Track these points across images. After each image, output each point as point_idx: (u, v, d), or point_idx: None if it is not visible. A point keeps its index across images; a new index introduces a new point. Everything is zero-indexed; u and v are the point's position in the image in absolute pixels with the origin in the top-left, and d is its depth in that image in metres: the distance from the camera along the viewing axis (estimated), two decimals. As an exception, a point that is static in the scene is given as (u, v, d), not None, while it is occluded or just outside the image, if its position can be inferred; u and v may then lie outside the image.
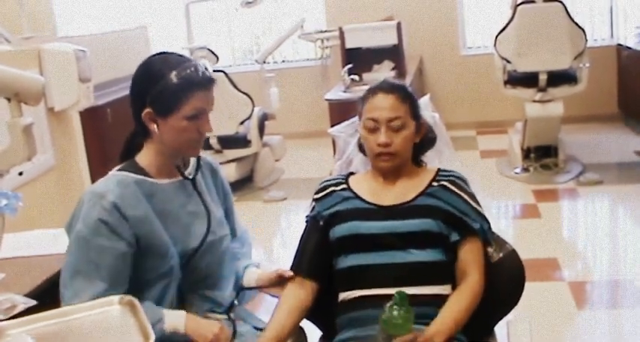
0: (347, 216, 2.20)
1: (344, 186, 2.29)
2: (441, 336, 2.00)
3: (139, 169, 2.08)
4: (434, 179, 2.24)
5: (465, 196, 2.20)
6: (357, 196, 2.24)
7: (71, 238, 2.00)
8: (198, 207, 2.16)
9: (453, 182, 2.22)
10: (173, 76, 1.99)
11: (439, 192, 2.20)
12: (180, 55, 2.10)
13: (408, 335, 1.89)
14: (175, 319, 2.02)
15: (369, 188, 2.26)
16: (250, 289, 2.33)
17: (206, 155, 2.31)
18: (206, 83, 2.04)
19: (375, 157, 2.24)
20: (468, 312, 2.10)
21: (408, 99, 2.21)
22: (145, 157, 2.11)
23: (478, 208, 2.20)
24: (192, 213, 2.14)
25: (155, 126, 2.03)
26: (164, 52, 2.12)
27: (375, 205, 2.20)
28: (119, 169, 2.09)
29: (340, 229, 2.19)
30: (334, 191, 2.28)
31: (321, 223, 2.24)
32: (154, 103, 2.01)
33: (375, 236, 2.14)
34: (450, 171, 2.28)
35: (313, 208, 2.30)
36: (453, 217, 2.16)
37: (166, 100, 2.00)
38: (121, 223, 1.98)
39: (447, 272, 2.15)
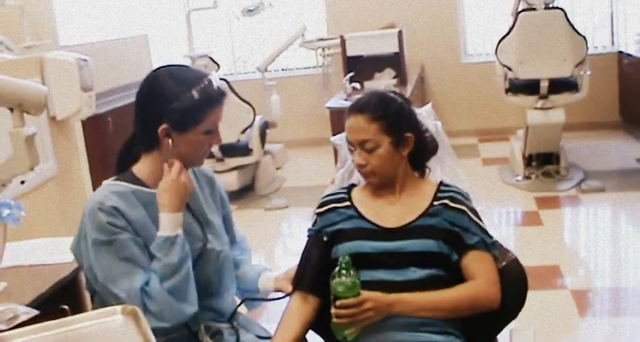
0: (350, 236, 2.18)
1: (347, 203, 2.26)
2: (400, 306, 2.03)
3: (135, 180, 2.09)
4: (435, 197, 2.21)
5: (467, 211, 2.18)
6: (360, 216, 2.22)
7: (91, 250, 1.99)
8: (191, 219, 2.16)
9: (453, 199, 2.19)
10: (195, 93, 2.00)
11: (441, 211, 2.17)
12: (191, 69, 2.12)
13: (354, 299, 1.98)
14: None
15: (371, 206, 2.24)
16: (261, 300, 2.37)
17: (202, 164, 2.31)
18: (222, 98, 2.08)
19: (360, 174, 2.27)
20: (450, 305, 2.09)
21: (381, 116, 2.17)
22: (142, 168, 2.11)
23: (480, 222, 2.18)
24: (187, 224, 2.13)
25: (170, 141, 2.03)
26: (172, 66, 2.12)
27: (377, 225, 2.19)
28: (114, 180, 2.09)
29: (343, 249, 2.17)
30: (337, 208, 2.26)
31: (325, 238, 2.23)
32: (172, 119, 2.01)
33: (377, 255, 2.13)
34: (452, 186, 2.26)
35: (315, 222, 2.29)
36: (454, 235, 2.14)
37: (187, 116, 2.01)
38: (127, 224, 2.00)
39: (449, 286, 2.12)
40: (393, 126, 2.17)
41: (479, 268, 2.14)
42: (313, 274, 2.20)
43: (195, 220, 2.16)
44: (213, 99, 2.04)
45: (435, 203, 2.19)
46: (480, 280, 2.12)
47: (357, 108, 2.20)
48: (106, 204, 1.98)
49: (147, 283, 1.98)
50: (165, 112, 2.00)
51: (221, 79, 6.34)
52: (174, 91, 2.01)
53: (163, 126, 2.01)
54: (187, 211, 2.15)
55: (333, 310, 2.02)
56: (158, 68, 2.11)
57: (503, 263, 2.23)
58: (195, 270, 2.09)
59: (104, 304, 1.98)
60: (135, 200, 2.04)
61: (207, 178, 2.29)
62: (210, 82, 2.04)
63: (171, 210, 2.01)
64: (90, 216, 1.99)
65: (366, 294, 2.01)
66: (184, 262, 2.01)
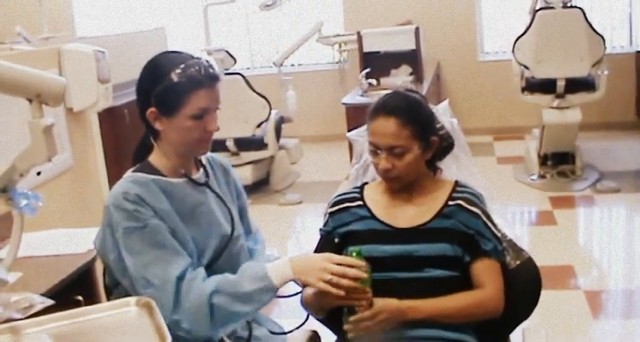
0: (362, 238, 2.16)
1: (359, 202, 2.24)
2: (416, 313, 2.02)
3: (153, 170, 2.09)
4: (450, 197, 2.19)
5: (482, 215, 2.15)
6: (372, 216, 2.20)
7: (122, 240, 1.97)
8: (216, 207, 2.16)
9: (468, 201, 2.17)
10: (174, 75, 1.98)
11: (455, 212, 2.15)
12: (185, 53, 2.08)
13: (369, 312, 1.95)
14: (281, 272, 1.99)
15: (384, 206, 2.22)
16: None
17: (218, 155, 2.32)
18: (209, 81, 2.02)
19: (381, 177, 2.22)
20: (460, 312, 2.08)
21: (412, 121, 2.11)
22: (157, 158, 2.11)
23: (493, 228, 2.16)
24: (210, 212, 2.14)
25: (160, 125, 2.04)
26: (170, 51, 2.12)
27: (390, 226, 2.17)
28: (133, 171, 2.10)
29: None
30: (349, 207, 2.24)
31: (336, 240, 2.21)
32: (157, 103, 2.01)
33: (390, 259, 2.12)
34: (467, 187, 2.23)
35: (327, 222, 2.26)
36: (468, 238, 2.13)
37: (169, 100, 2.00)
38: (153, 213, 1.99)
39: (461, 285, 2.12)
40: (423, 131, 2.13)
41: (489, 278, 2.13)
42: None
43: (227, 209, 2.18)
44: (196, 82, 1.99)
45: (450, 203, 2.17)
46: (488, 290, 2.11)
47: (387, 110, 2.12)
48: (131, 193, 1.98)
49: (183, 276, 1.95)
50: (152, 96, 2.01)
51: (237, 73, 6.42)
52: (159, 75, 2.00)
53: (150, 109, 2.02)
54: (219, 200, 2.17)
55: (346, 326, 1.99)
56: (157, 54, 2.10)
57: (517, 262, 2.23)
58: (219, 261, 2.09)
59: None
60: (156, 189, 2.04)
61: (222, 168, 2.28)
62: (195, 65, 2.00)
63: (294, 272, 1.98)
64: (116, 207, 1.98)
65: (379, 304, 1.98)
66: (250, 304, 1.97)
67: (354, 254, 1.97)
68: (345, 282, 1.92)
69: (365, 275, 1.95)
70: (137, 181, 2.03)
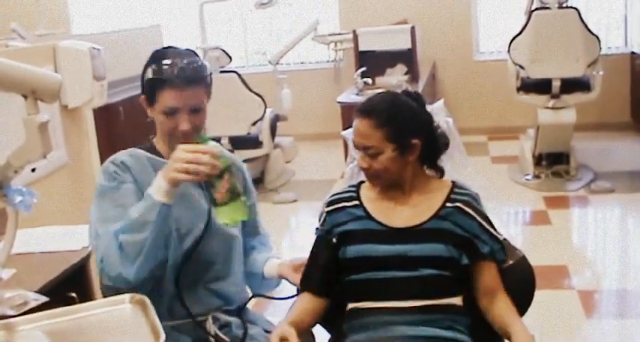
0: (358, 238, 2.16)
1: (356, 202, 2.23)
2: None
3: (152, 149, 2.17)
4: (448, 198, 2.18)
5: (479, 218, 2.16)
6: (368, 216, 2.20)
7: (95, 198, 2.07)
8: (200, 192, 2.17)
9: (467, 203, 2.17)
10: (150, 70, 2.07)
11: (453, 214, 2.15)
12: (183, 51, 2.13)
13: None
14: (156, 184, 1.96)
15: (380, 205, 2.21)
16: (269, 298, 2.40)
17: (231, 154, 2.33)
18: (179, 83, 2.01)
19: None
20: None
21: (386, 123, 2.09)
22: (158, 139, 2.19)
23: (491, 230, 2.17)
24: (200, 195, 2.16)
25: (149, 112, 2.13)
26: (172, 46, 2.18)
27: (386, 226, 2.17)
28: (135, 147, 2.18)
29: (351, 251, 2.16)
30: (346, 207, 2.23)
31: (333, 240, 2.20)
32: (144, 92, 2.11)
33: (386, 258, 2.12)
34: (464, 188, 2.23)
35: (324, 221, 2.26)
36: (464, 241, 2.13)
37: (146, 92, 2.10)
38: (133, 180, 2.08)
39: (457, 286, 2.13)
40: (399, 133, 2.11)
41: (494, 279, 2.16)
42: (320, 276, 2.19)
43: (207, 195, 2.15)
44: (162, 81, 2.02)
45: (448, 205, 2.17)
46: (501, 292, 2.16)
47: (364, 112, 2.13)
48: (118, 159, 2.10)
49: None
50: (142, 84, 2.12)
51: (232, 71, 6.41)
52: (145, 66, 2.10)
53: (142, 96, 2.12)
54: (198, 186, 2.16)
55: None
56: (164, 47, 2.19)
57: (511, 262, 2.24)
58: (201, 246, 2.10)
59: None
60: (147, 164, 2.12)
61: (235, 167, 2.30)
62: (172, 64, 2.02)
63: (163, 176, 1.94)
64: (102, 170, 2.10)
65: None
66: (146, 229, 1.94)
67: (201, 140, 1.96)
68: (202, 168, 1.88)
69: (213, 152, 1.91)
70: (131, 154, 2.13)
